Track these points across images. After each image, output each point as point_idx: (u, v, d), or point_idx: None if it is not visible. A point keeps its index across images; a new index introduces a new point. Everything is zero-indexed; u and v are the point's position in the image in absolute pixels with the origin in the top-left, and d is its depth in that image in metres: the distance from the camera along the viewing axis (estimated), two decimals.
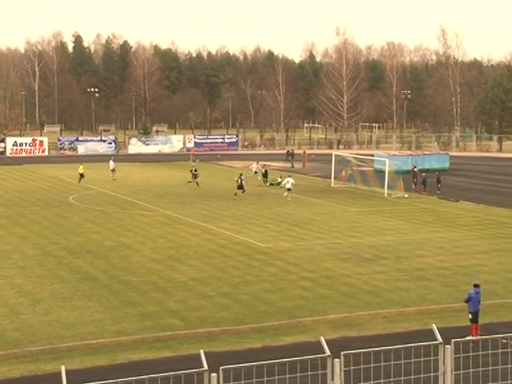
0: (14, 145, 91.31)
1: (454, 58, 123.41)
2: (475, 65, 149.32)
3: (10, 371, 18.52)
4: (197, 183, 56.88)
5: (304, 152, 79.90)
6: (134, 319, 22.87)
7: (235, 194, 50.40)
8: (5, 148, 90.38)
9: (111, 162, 64.79)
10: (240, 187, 51.15)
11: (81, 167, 60.36)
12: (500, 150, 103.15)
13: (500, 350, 12.25)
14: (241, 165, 75.32)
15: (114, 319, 22.84)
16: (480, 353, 11.77)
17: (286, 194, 50.73)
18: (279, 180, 57.61)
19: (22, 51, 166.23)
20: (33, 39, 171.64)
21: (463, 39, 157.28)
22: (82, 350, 20.06)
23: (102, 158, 78.82)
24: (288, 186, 50.98)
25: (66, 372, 9.90)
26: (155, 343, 20.71)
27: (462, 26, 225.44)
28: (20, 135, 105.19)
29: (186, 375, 10.28)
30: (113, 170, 63.64)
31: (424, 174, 56.29)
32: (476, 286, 21.38)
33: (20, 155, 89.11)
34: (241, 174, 52.90)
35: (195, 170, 57.70)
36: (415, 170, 56.99)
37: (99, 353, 19.91)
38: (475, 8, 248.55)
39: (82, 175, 59.56)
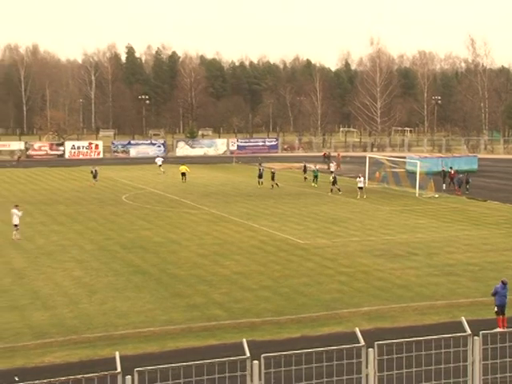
0: (72, 148, 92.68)
1: (483, 65, 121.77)
2: (503, 72, 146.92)
3: (69, 356, 18.78)
4: (276, 184, 56.66)
5: (338, 154, 79.53)
6: (182, 310, 23.01)
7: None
8: (64, 151, 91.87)
9: (158, 159, 70.73)
10: (260, 176, 57.71)
11: (183, 167, 62.02)
12: None
13: None
14: (280, 166, 75.28)
15: (164, 309, 23.00)
16: (507, 344, 11.62)
17: (359, 196, 50.77)
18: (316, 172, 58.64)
19: (80, 62, 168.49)
20: (90, 51, 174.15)
21: (491, 48, 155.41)
22: (134, 338, 20.24)
23: (153, 161, 79.37)
24: (360, 184, 51.43)
25: (120, 358, 9.99)
26: (201, 332, 20.80)
27: (491, 34, 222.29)
28: (77, 139, 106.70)
29: (229, 362, 10.32)
30: (160, 166, 68.81)
31: (461, 175, 55.64)
32: (503, 282, 21.01)
33: (77, 157, 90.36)
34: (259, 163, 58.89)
35: (272, 174, 57.24)
36: (451, 171, 56.65)
37: (150, 340, 20.07)
38: (503, 17, 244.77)
39: (183, 174, 61.16)
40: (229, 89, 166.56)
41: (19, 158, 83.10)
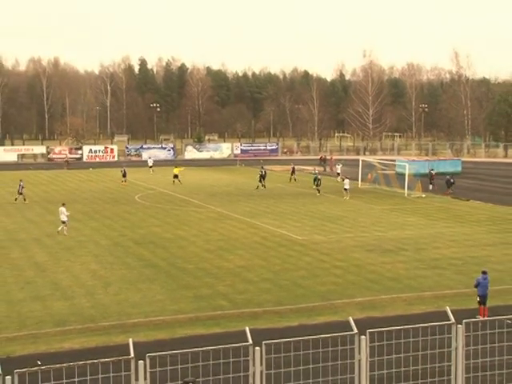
0: (89, 152, 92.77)
1: (466, 76, 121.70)
2: (484, 82, 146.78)
3: (86, 342, 18.81)
4: (257, 186, 56.03)
5: (331, 158, 79.49)
6: (190, 300, 23.01)
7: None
8: (82, 154, 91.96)
9: (150, 160, 73.18)
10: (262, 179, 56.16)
11: (176, 169, 61.52)
12: (506, 156, 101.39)
13: (505, 330, 12.10)
14: (280, 168, 75.25)
15: (173, 300, 23.01)
16: (488, 332, 11.63)
17: (345, 197, 49.97)
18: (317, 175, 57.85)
19: (97, 73, 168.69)
20: (106, 63, 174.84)
21: (474, 60, 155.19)
22: (146, 326, 20.25)
23: (163, 163, 79.56)
24: (346, 186, 50.79)
25: (133, 344, 10.02)
26: (207, 321, 20.80)
27: (473, 48, 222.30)
28: (94, 144, 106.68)
29: (233, 348, 10.33)
30: (151, 167, 70.74)
31: (448, 176, 55.44)
32: (484, 272, 21.12)
33: (94, 161, 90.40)
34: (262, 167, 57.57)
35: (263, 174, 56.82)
36: (432, 173, 56.62)
37: (160, 328, 20.07)
38: (485, 32, 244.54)
39: (176, 176, 60.30)
40: (233, 97, 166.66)
41: (67, 161, 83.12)
